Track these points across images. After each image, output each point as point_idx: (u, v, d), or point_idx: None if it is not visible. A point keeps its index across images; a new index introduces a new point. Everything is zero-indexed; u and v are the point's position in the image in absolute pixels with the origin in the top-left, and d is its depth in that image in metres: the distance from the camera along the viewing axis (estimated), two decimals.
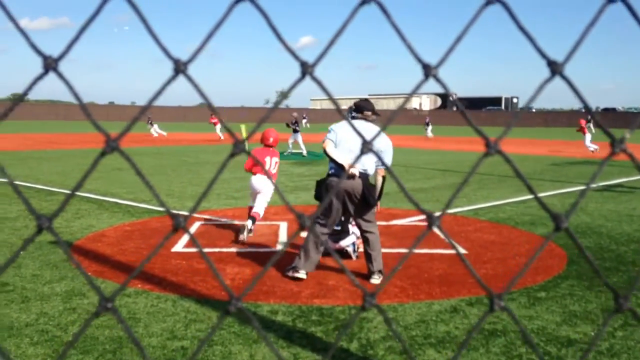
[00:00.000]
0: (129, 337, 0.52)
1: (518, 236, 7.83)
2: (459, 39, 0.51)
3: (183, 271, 5.88)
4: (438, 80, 0.50)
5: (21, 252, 5.56)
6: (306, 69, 0.51)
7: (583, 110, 64.38)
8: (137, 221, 8.42)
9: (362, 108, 5.88)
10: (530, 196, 10.91)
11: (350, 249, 6.60)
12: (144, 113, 0.53)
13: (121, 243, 7.10)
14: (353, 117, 5.93)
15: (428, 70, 0.50)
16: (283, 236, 7.63)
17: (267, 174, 0.59)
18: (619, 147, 0.51)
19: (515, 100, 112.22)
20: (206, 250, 6.84)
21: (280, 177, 14.37)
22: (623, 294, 0.59)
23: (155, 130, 33.48)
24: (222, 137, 30.89)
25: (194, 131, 31.89)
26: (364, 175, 5.67)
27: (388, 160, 5.76)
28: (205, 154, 22.02)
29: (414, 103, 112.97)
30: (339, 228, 6.53)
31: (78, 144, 26.75)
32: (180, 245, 6.97)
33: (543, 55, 0.53)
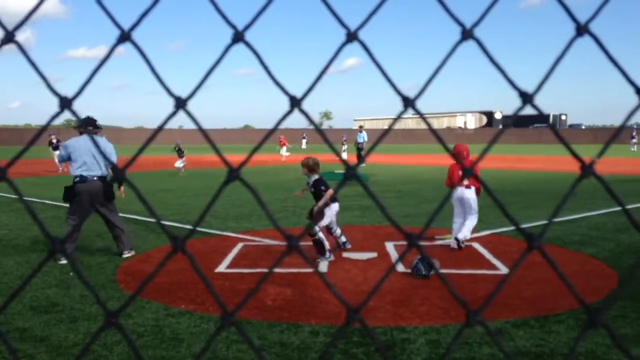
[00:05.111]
0: (135, 355, 0.56)
1: (566, 257, 7.59)
2: (435, 74, 0.54)
3: (225, 292, 5.96)
4: (417, 110, 0.53)
5: (71, 274, 5.68)
6: (295, 103, 0.55)
7: (635, 127, 62.42)
8: None
9: (89, 123, 7.42)
10: (581, 215, 10.62)
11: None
12: (149, 143, 0.58)
13: (166, 264, 7.23)
14: (84, 131, 7.57)
15: (407, 102, 0.53)
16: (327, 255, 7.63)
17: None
18: (589, 172, 0.52)
19: (563, 117, 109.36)
20: (248, 270, 6.92)
21: None
22: (594, 309, 0.60)
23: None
24: (283, 158, 35.57)
25: (238, 152, 32.46)
26: (102, 178, 7.29)
27: (115, 158, 7.44)
28: (249, 176, 22.31)
29: (459, 122, 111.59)
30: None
31: (132, 168, 27.50)
32: (223, 266, 7.08)
33: (515, 87, 0.55)
